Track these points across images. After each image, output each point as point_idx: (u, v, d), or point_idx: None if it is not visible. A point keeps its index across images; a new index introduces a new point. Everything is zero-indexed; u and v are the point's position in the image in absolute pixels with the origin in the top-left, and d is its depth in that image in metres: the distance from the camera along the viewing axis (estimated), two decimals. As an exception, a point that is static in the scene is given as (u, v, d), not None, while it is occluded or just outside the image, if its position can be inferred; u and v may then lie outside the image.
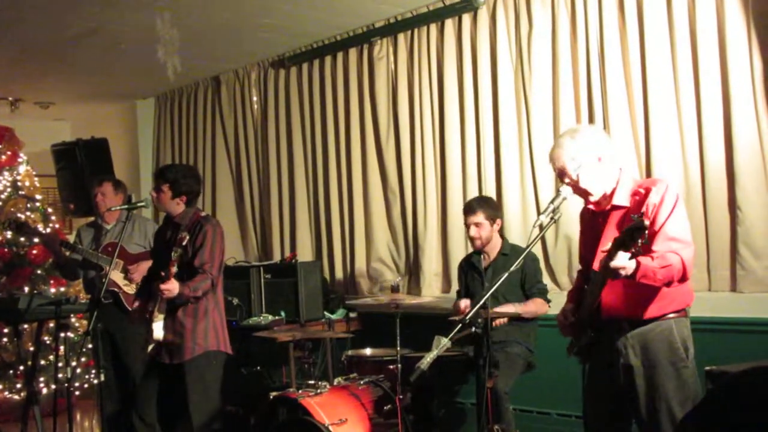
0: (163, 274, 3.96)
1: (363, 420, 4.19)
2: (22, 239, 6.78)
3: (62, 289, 6.83)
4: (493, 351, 3.74)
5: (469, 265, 4.80)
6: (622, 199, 3.12)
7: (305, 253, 6.59)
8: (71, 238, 5.84)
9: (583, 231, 3.41)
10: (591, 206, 3.20)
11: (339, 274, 6.41)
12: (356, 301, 6.04)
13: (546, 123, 5.07)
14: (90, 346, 5.74)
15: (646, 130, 4.61)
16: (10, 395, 6.65)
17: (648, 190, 3.05)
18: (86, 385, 7.03)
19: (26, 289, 6.67)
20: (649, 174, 4.56)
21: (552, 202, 3.10)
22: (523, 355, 4.47)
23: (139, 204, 4.66)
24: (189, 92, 7.76)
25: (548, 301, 4.54)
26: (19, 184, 7.10)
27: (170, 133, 8.03)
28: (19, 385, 6.60)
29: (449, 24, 5.56)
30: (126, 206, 4.84)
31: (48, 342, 6.37)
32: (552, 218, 3.12)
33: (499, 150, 5.32)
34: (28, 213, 6.97)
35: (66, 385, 5.08)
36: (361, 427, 4.16)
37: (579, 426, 3.57)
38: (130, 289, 5.14)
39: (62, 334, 4.95)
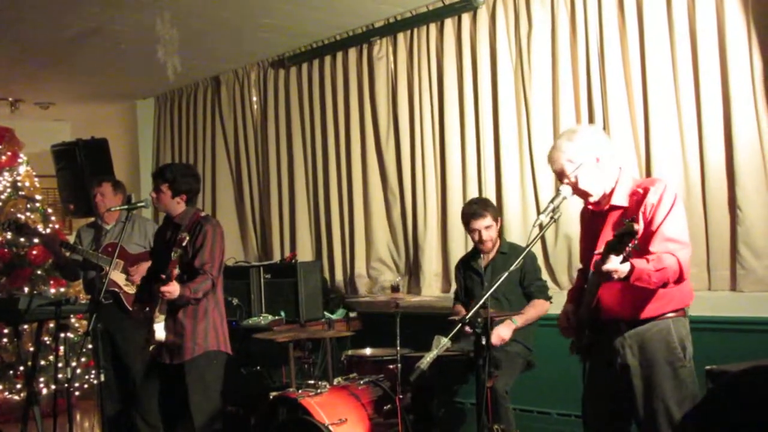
0: (164, 276, 3.95)
1: (363, 420, 4.19)
2: (22, 240, 6.78)
3: (62, 289, 6.82)
4: (493, 351, 3.74)
5: (465, 265, 4.79)
6: (620, 199, 3.12)
7: (305, 253, 6.59)
8: (71, 239, 5.84)
9: (584, 230, 3.41)
10: (590, 206, 3.21)
11: (339, 274, 6.41)
12: (356, 301, 6.04)
13: (546, 122, 5.07)
14: (90, 346, 5.74)
15: (646, 129, 4.61)
16: (10, 396, 6.64)
17: (646, 190, 3.05)
18: (86, 386, 7.02)
19: (26, 289, 6.66)
20: (649, 174, 4.56)
21: (552, 201, 3.10)
22: (523, 354, 4.47)
23: (138, 204, 4.65)
24: (189, 92, 7.76)
25: (549, 298, 4.54)
26: (19, 184, 7.09)
27: (170, 134, 8.03)
28: (19, 386, 6.60)
29: (449, 24, 5.56)
30: (125, 206, 4.84)
31: (48, 342, 6.36)
32: (552, 218, 3.11)
33: (499, 150, 5.32)
34: (28, 213, 6.96)
35: (66, 385, 5.07)
36: (361, 426, 4.16)
37: (579, 426, 3.56)
38: (131, 290, 5.14)
39: (62, 335, 4.94)
